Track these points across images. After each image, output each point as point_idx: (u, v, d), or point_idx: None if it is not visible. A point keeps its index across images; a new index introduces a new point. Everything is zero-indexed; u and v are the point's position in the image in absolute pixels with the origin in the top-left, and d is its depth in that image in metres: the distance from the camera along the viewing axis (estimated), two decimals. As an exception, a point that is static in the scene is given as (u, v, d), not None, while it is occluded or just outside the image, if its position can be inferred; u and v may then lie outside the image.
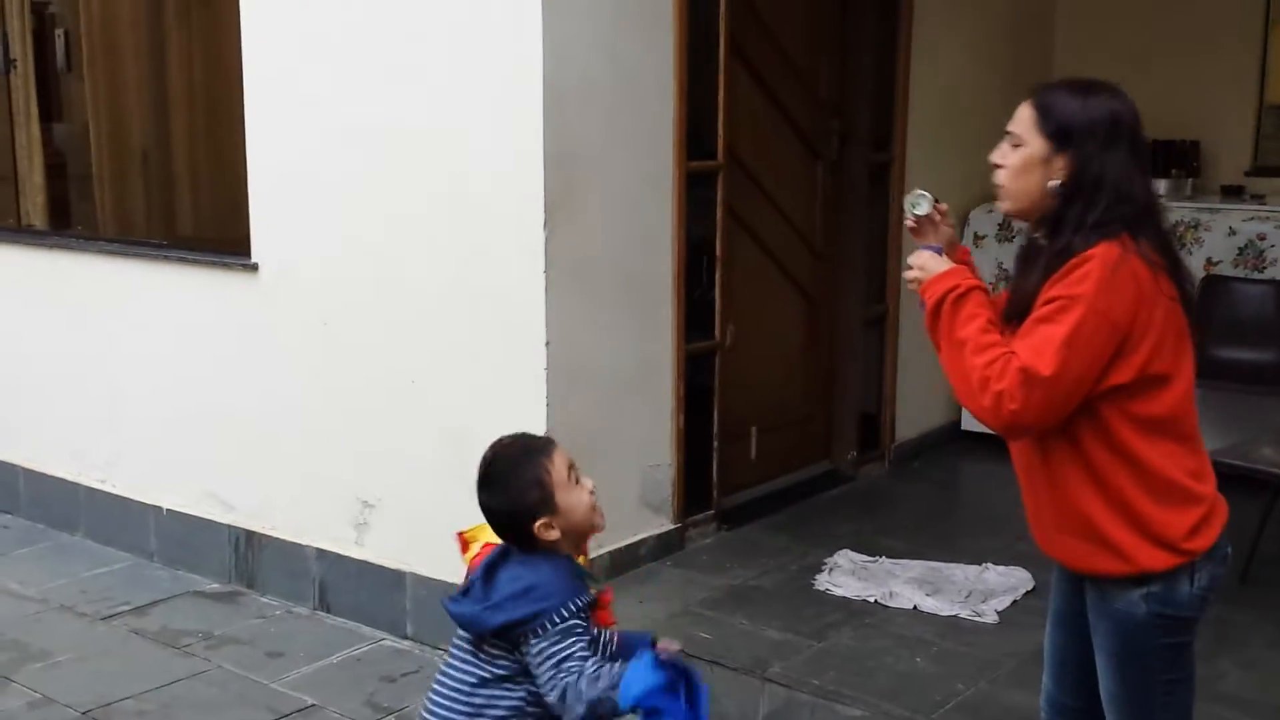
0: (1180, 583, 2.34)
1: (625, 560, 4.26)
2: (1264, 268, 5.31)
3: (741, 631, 3.88)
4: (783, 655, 3.71)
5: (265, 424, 4.70)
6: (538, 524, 2.43)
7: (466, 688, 2.44)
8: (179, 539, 5.04)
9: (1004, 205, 2.44)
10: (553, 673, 2.33)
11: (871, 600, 4.09)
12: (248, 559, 4.83)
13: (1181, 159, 5.78)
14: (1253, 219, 5.40)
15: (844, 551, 4.47)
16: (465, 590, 2.47)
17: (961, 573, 4.30)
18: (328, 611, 4.59)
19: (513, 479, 2.47)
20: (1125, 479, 2.31)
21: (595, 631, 2.43)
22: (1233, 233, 5.32)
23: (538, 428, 3.93)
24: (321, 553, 4.59)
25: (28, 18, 5.54)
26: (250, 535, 4.81)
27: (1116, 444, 2.30)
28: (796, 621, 3.95)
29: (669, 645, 2.27)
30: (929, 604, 4.05)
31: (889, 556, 4.45)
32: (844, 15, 5.22)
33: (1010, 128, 2.41)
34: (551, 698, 2.33)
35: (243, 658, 4.28)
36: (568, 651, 2.33)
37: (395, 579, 4.37)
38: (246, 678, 4.13)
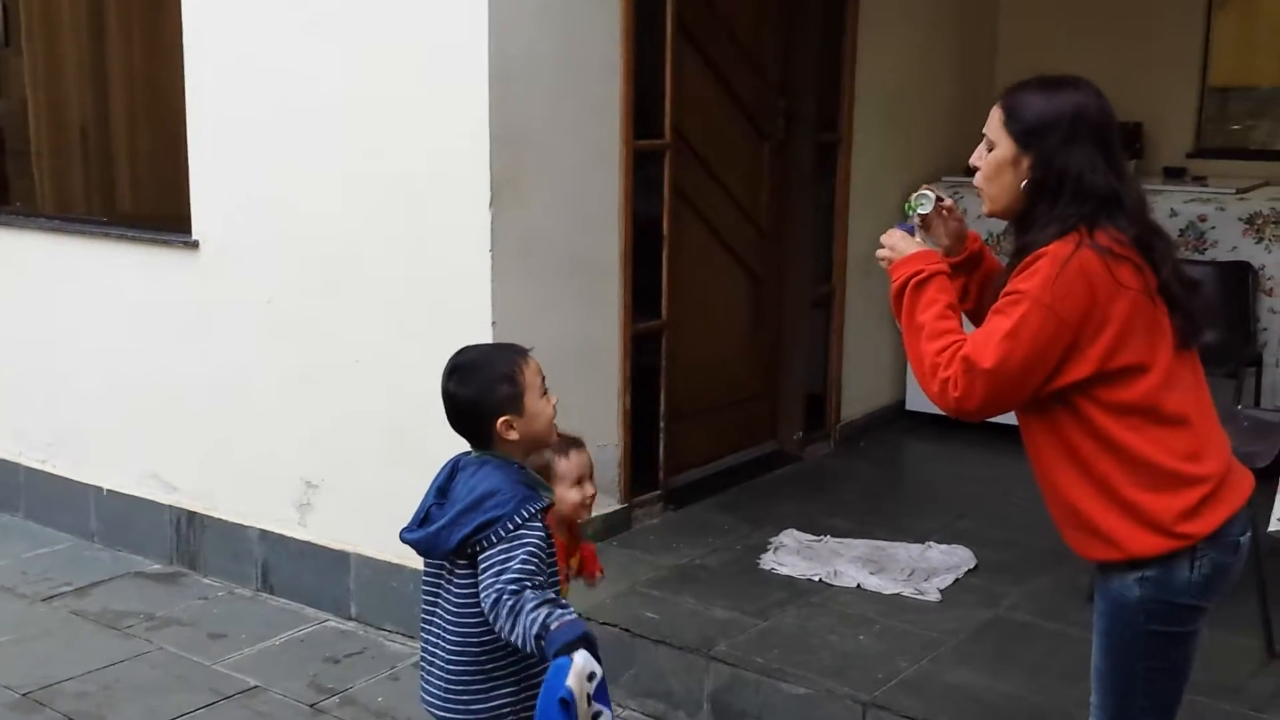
0: (1178, 568, 2.30)
1: (571, 540, 4.25)
2: (1205, 249, 5.38)
3: (688, 610, 3.89)
4: (728, 634, 3.73)
5: (207, 404, 4.65)
6: (500, 421, 2.40)
7: (449, 619, 2.40)
8: (120, 520, 4.98)
9: (984, 207, 2.44)
10: (492, 579, 2.27)
11: (816, 579, 4.12)
12: (189, 540, 4.78)
13: (1124, 141, 5.82)
14: (1194, 200, 5.47)
15: (789, 531, 4.49)
16: (424, 519, 2.43)
17: (905, 551, 4.34)
18: (271, 593, 4.56)
19: (485, 370, 2.45)
20: (1110, 466, 2.30)
21: (549, 543, 2.38)
22: (1174, 214, 5.38)
23: (483, 407, 3.91)
24: (264, 533, 4.55)
25: (-36, -9, 5.42)
26: (192, 516, 4.76)
27: (1096, 432, 2.30)
28: (742, 600, 3.96)
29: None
30: (873, 582, 4.08)
31: (834, 535, 4.48)
32: (792, -6, 5.22)
33: (985, 130, 2.41)
34: (485, 604, 2.28)
35: (184, 639, 4.24)
36: (508, 561, 2.27)
37: (339, 560, 4.35)
38: (188, 659, 4.10)
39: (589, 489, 2.79)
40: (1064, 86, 2.38)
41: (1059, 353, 2.26)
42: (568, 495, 2.74)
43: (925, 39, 5.88)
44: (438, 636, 2.45)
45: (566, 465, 2.74)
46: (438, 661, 2.45)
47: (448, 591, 2.42)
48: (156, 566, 4.85)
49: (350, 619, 4.34)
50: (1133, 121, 5.84)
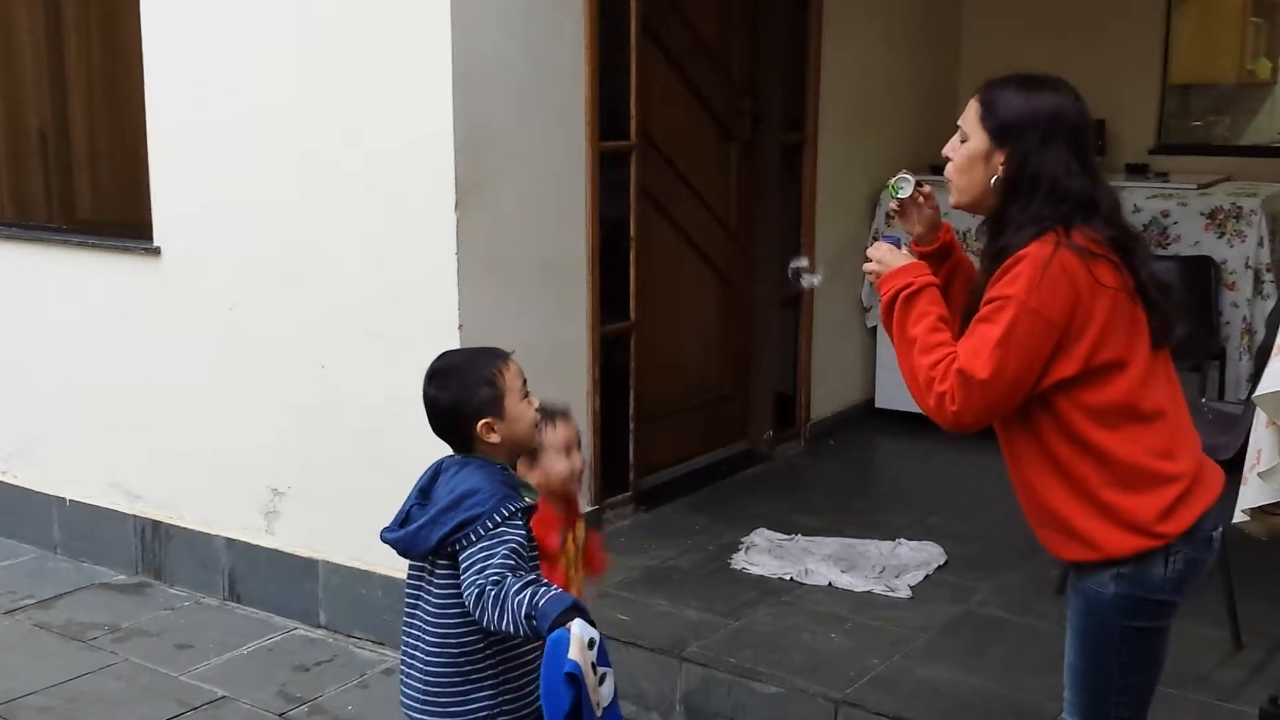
0: (1153, 565, 2.31)
1: (542, 543, 4.23)
2: (1167, 244, 5.43)
3: (659, 612, 3.88)
4: (700, 635, 3.72)
5: (171, 411, 4.60)
6: (481, 424, 2.40)
7: (429, 620, 2.39)
8: (84, 530, 4.92)
9: (951, 199, 2.44)
10: (474, 576, 2.27)
11: (787, 578, 4.12)
12: (155, 549, 4.73)
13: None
14: (1156, 196, 5.51)
15: (760, 530, 4.49)
16: (404, 519, 2.43)
17: (875, 549, 4.35)
18: (238, 601, 4.52)
19: (465, 374, 2.46)
20: (1088, 469, 2.30)
21: (531, 543, 2.37)
22: (1137, 210, 5.42)
23: (451, 411, 3.89)
24: (231, 542, 4.51)
25: (-84, -5, 5.34)
26: (157, 525, 4.71)
27: (1075, 435, 2.30)
28: (714, 601, 3.96)
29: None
30: (844, 580, 4.08)
31: (805, 534, 4.48)
32: (755, -5, 5.22)
33: (959, 121, 2.41)
34: (468, 602, 2.27)
35: (151, 650, 4.19)
36: (490, 558, 2.27)
37: (307, 567, 4.31)
38: (155, 670, 4.05)
39: (577, 459, 2.81)
40: (1043, 87, 2.37)
41: (1048, 354, 2.26)
42: (556, 465, 2.75)
43: (889, 38, 5.90)
44: (417, 639, 2.44)
45: (554, 435, 2.75)
46: (416, 664, 2.44)
47: (428, 592, 2.41)
48: (121, 577, 4.80)
49: (319, 627, 4.31)
50: (1095, 118, 5.86)
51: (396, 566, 4.11)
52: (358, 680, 3.97)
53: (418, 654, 2.43)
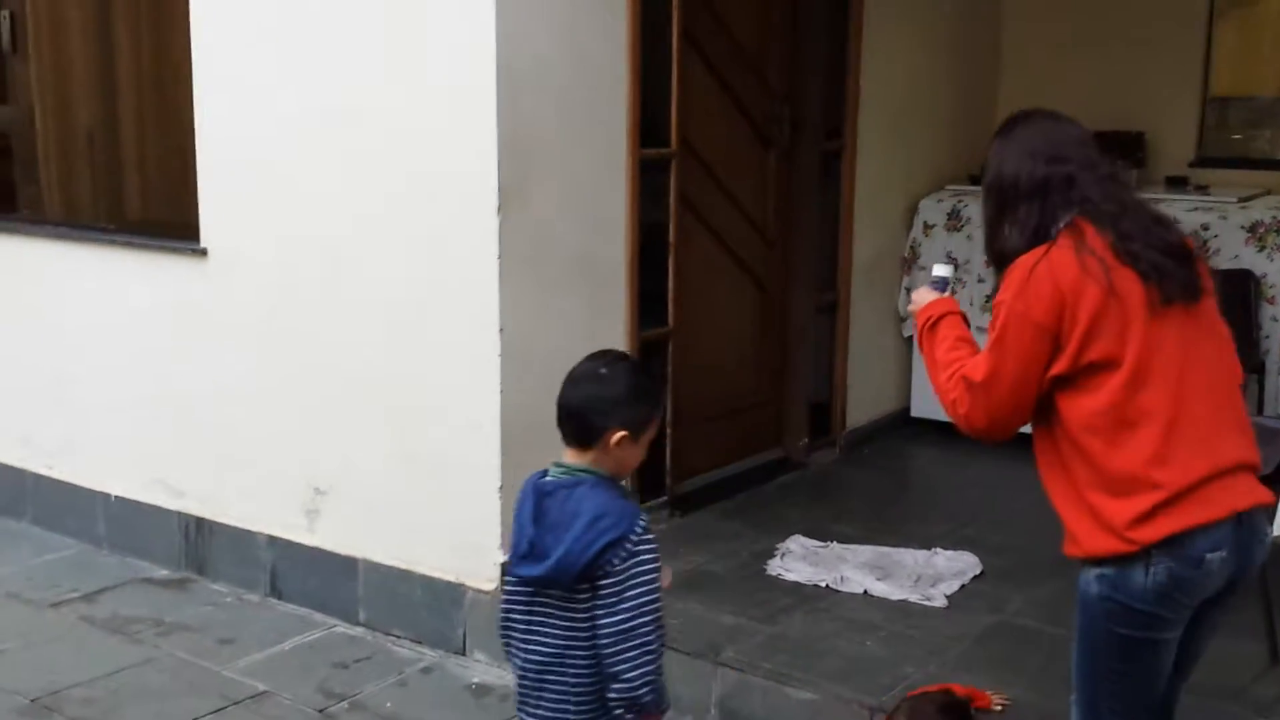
0: (1133, 571, 2.33)
1: (578, 546, 4.26)
2: (1207, 257, 5.40)
3: (695, 617, 3.90)
4: (735, 640, 3.74)
5: (215, 410, 4.67)
6: (620, 434, 2.36)
7: (580, 639, 2.36)
8: (128, 525, 4.99)
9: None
10: (621, 622, 2.28)
11: (823, 585, 4.13)
12: (198, 545, 4.79)
13: (1127, 150, 5.85)
14: (1196, 209, 5.49)
15: (796, 537, 4.51)
16: (531, 550, 2.36)
17: (911, 557, 4.36)
18: (279, 598, 4.57)
19: (640, 381, 2.45)
20: (1080, 468, 2.39)
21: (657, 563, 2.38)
22: (1176, 223, 5.38)
23: (490, 414, 3.93)
24: (273, 539, 4.56)
25: (-29, -2, 5.44)
26: (200, 522, 4.77)
27: (1071, 435, 2.39)
28: (749, 606, 3.98)
29: None
30: (879, 588, 4.09)
31: (840, 542, 4.49)
32: (795, 2, 5.24)
33: None
34: (606, 632, 2.29)
35: (193, 645, 4.25)
36: (641, 602, 2.28)
37: (347, 565, 4.36)
38: (197, 665, 4.11)
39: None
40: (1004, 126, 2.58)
41: (1047, 355, 2.36)
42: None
43: (928, 47, 5.90)
44: (557, 661, 2.38)
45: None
46: (562, 686, 2.39)
47: (571, 615, 2.36)
48: (164, 572, 4.86)
49: (358, 624, 4.35)
50: (1135, 131, 5.86)
51: (435, 566, 4.19)
52: (396, 678, 4.02)
53: (565, 677, 2.38)
